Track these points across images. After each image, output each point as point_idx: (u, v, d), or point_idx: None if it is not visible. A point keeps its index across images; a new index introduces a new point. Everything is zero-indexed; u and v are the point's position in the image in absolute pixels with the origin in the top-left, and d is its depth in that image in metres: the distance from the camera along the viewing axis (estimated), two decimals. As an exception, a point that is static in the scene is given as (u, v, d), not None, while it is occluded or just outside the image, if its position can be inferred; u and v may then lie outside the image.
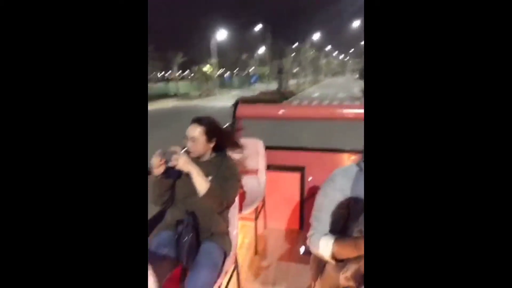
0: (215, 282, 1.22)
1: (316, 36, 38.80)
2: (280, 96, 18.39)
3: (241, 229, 2.09)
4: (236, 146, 1.53)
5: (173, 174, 1.34)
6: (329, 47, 52.86)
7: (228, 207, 1.42)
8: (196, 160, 1.39)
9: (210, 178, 1.34)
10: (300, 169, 2.24)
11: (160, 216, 1.50)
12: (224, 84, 31.66)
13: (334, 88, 27.00)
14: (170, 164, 1.23)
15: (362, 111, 2.09)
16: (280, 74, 22.45)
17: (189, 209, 1.34)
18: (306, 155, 2.32)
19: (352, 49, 54.92)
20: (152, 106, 15.73)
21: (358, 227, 0.95)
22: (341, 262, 0.97)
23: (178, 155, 1.24)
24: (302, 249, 2.13)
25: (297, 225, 2.37)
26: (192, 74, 24.55)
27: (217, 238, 1.37)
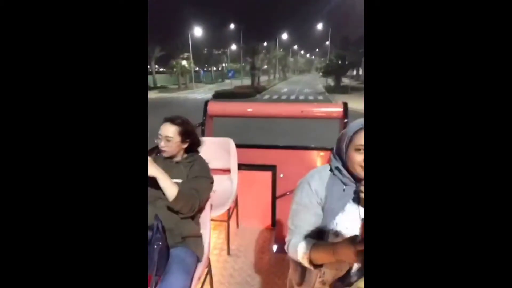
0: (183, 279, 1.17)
1: (284, 36, 41.68)
2: (254, 90, 20.77)
3: (213, 230, 2.13)
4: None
5: None
6: (295, 47, 56.20)
7: (200, 210, 1.39)
8: (169, 161, 1.41)
9: (181, 181, 1.32)
10: (271, 168, 2.26)
11: None
12: (199, 78, 33.37)
13: (301, 84, 29.92)
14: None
15: (330, 109, 2.29)
16: (253, 70, 24.84)
17: (159, 213, 1.26)
18: (277, 153, 2.34)
19: (317, 49, 58.61)
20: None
21: (333, 230, 0.97)
22: (320, 267, 0.96)
23: None
24: (274, 248, 2.14)
25: (269, 223, 2.39)
26: (174, 69, 26.08)
27: (189, 243, 1.33)
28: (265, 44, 34.82)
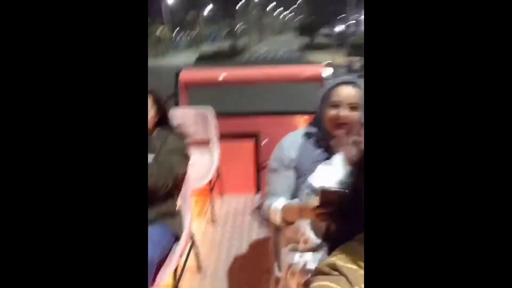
0: (159, 260, 1.17)
1: (259, -4, 41.17)
2: (234, 52, 21.59)
3: (196, 203, 2.08)
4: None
5: None
6: (273, 4, 55.35)
7: (177, 186, 1.34)
8: None
9: (152, 156, 1.25)
10: (254, 135, 2.20)
11: None
12: (177, 45, 33.35)
13: (278, 45, 30.59)
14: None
15: (313, 71, 2.17)
16: (231, 32, 25.33)
17: None
18: (259, 120, 2.28)
19: (295, 5, 58.01)
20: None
21: (307, 191, 0.97)
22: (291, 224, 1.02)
23: None
24: (257, 197, 2.16)
25: (253, 191, 2.35)
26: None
27: (166, 218, 1.28)
28: (240, 4, 34.68)
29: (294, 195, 1.09)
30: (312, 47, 22.32)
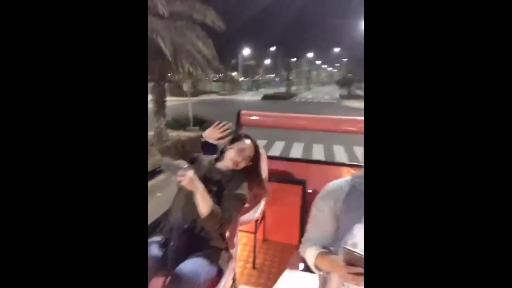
0: (200, 277, 1.19)
1: (310, 55, 50.87)
2: (288, 95, 29.76)
3: (239, 241, 1.99)
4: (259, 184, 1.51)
5: (208, 151, 1.42)
6: (318, 62, 65.36)
7: (228, 227, 1.35)
8: (216, 167, 1.43)
9: (224, 192, 1.33)
10: (302, 182, 2.21)
11: (155, 225, 1.47)
12: (244, 87, 42.95)
13: (322, 93, 38.64)
14: (175, 179, 1.18)
15: (362, 125, 2.12)
16: (287, 81, 34.00)
17: (190, 216, 1.31)
18: (307, 167, 2.32)
19: (338, 64, 67.28)
20: (202, 98, 26.08)
21: (352, 240, 0.95)
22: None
23: (184, 171, 1.17)
24: (301, 266, 1.93)
25: (296, 239, 2.27)
26: (227, 78, 35.65)
27: (212, 253, 1.33)
28: (295, 59, 43.95)
29: (335, 243, 1.05)
30: (347, 96, 29.74)
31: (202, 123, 10.03)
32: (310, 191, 2.24)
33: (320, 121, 2.27)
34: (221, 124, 1.44)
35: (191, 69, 7.18)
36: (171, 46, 6.61)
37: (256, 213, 1.98)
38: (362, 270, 0.81)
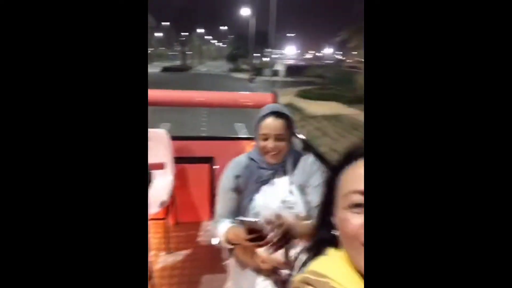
0: None
1: (201, 30, 54.56)
2: (186, 68, 33.73)
3: (150, 229, 1.99)
4: None
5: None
6: (209, 37, 69.69)
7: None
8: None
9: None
10: (208, 160, 2.20)
11: None
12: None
13: (213, 67, 43.56)
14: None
15: (259, 99, 2.22)
16: (183, 54, 37.66)
17: None
18: (212, 145, 2.30)
19: (226, 40, 72.84)
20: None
21: (253, 210, 1.08)
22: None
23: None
24: (214, 240, 1.94)
25: (208, 216, 2.30)
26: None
27: None
28: (187, 34, 47.26)
29: (241, 215, 1.11)
30: (235, 70, 35.52)
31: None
32: (217, 167, 2.20)
33: (220, 96, 2.31)
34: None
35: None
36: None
37: (165, 198, 1.93)
38: (262, 234, 0.91)
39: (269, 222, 0.95)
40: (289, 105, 9.87)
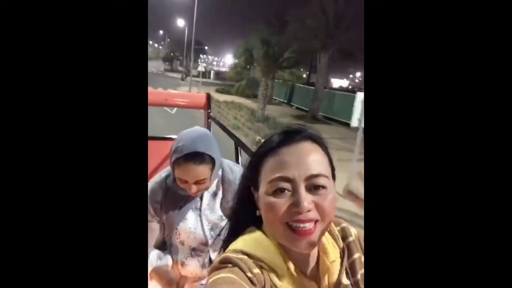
0: None
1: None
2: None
3: None
4: None
5: None
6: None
7: None
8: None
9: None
10: None
11: None
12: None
13: (150, 67, 46.73)
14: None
15: (193, 99, 2.20)
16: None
17: None
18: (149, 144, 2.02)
19: (163, 43, 75.63)
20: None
21: (177, 239, 1.02)
22: None
23: None
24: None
25: None
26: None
27: None
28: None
29: (165, 244, 1.08)
30: (170, 70, 39.65)
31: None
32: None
33: (155, 94, 2.23)
34: None
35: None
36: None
37: None
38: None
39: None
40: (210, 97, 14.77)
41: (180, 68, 39.47)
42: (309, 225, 0.49)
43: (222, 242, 0.64)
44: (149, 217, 1.07)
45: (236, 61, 14.06)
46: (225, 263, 0.51)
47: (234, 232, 0.59)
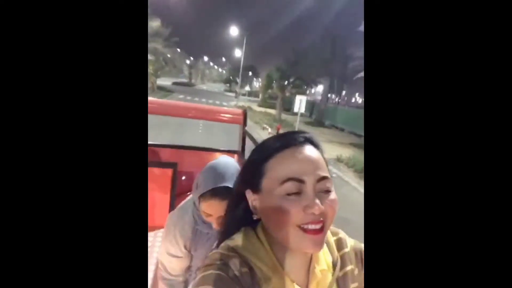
0: None
1: (206, 58, 67.69)
2: (191, 84, 45.35)
3: None
4: None
5: None
6: (212, 64, 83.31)
7: None
8: None
9: None
10: (172, 165, 2.18)
11: None
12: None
13: (212, 87, 55.44)
14: None
15: (230, 115, 2.30)
16: (190, 74, 49.79)
17: None
18: (180, 153, 2.34)
19: (226, 67, 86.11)
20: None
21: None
22: None
23: None
24: None
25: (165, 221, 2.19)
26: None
27: None
28: (192, 59, 59.46)
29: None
30: (229, 90, 47.13)
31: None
32: (183, 177, 2.21)
33: (207, 111, 2.37)
34: None
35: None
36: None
37: None
38: None
39: None
40: (249, 108, 20.57)
41: (236, 89, 47.22)
42: (320, 225, 0.49)
43: (215, 245, 0.63)
44: (178, 251, 1.04)
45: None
46: (215, 259, 0.52)
47: (227, 235, 0.59)
